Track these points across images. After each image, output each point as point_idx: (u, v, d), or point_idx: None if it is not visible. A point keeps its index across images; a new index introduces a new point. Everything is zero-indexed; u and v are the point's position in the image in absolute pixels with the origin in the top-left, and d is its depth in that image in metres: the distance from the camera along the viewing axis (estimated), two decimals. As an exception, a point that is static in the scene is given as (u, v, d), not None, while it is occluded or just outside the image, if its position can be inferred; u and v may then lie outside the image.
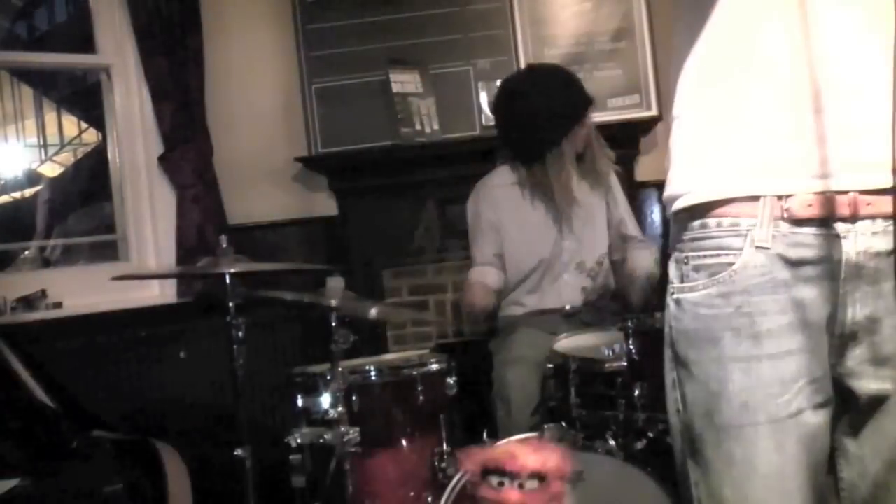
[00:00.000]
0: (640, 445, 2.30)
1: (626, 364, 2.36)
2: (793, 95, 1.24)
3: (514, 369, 2.88)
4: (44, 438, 2.39)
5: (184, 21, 3.61)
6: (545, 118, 2.95)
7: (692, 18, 1.34)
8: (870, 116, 1.22)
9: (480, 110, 3.80)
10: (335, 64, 3.82)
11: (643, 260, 2.94)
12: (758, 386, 1.26)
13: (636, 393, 2.31)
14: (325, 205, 3.99)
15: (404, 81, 3.75)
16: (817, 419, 1.27)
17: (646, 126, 3.76)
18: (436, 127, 3.76)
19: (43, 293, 3.41)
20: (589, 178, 3.07)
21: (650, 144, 3.81)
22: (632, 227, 3.14)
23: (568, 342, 2.66)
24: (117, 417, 3.05)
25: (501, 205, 3.07)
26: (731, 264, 1.27)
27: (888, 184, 1.23)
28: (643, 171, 3.77)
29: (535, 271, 3.04)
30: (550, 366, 2.58)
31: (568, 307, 3.00)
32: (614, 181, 3.15)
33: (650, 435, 2.29)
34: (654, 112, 3.72)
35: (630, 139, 3.77)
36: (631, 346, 2.33)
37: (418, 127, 3.74)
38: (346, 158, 3.84)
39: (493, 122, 3.66)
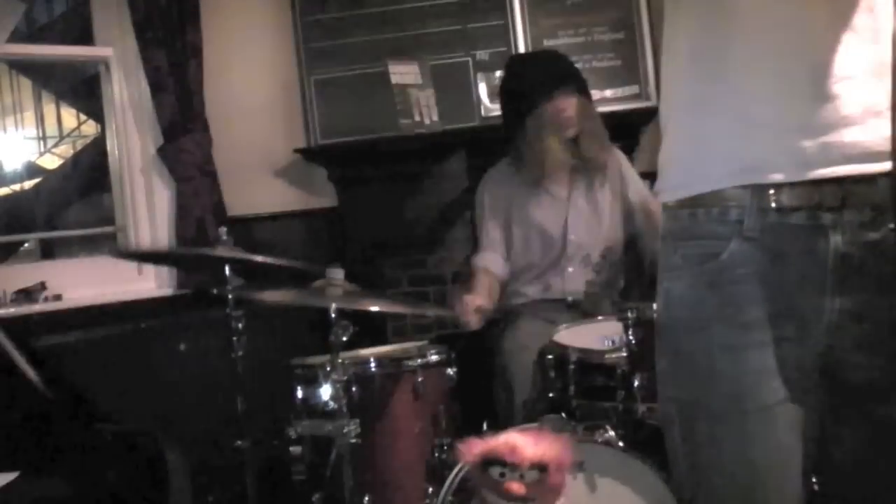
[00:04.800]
0: (639, 436, 2.30)
1: (625, 355, 2.36)
2: (782, 86, 1.24)
3: (515, 359, 2.88)
4: (44, 431, 2.39)
5: (182, 12, 3.60)
6: (515, 94, 3.05)
7: (684, 10, 1.34)
8: (858, 106, 1.23)
9: (480, 101, 3.79)
10: (334, 55, 3.82)
11: None
12: (746, 374, 1.27)
13: (635, 383, 2.31)
14: (324, 196, 3.99)
15: (403, 73, 3.75)
16: (806, 408, 1.28)
17: (645, 116, 3.74)
18: (435, 118, 3.75)
19: (42, 285, 3.41)
20: (592, 170, 3.06)
21: (650, 135, 3.80)
22: (653, 202, 3.12)
23: (567, 333, 2.66)
24: (117, 410, 3.05)
25: (509, 193, 3.08)
26: (720, 254, 1.28)
27: (876, 171, 1.23)
28: (642, 161, 3.76)
29: (540, 262, 3.04)
30: (550, 357, 2.58)
31: (570, 298, 3.01)
32: (627, 167, 3.15)
33: (649, 425, 2.30)
34: (653, 103, 3.71)
35: (629, 130, 3.76)
36: (630, 337, 2.33)
37: (417, 118, 3.74)
38: (345, 150, 3.83)
39: (492, 113, 3.69)
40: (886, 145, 1.19)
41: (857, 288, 1.26)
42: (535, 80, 3.03)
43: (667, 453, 1.43)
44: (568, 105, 2.96)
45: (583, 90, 3.02)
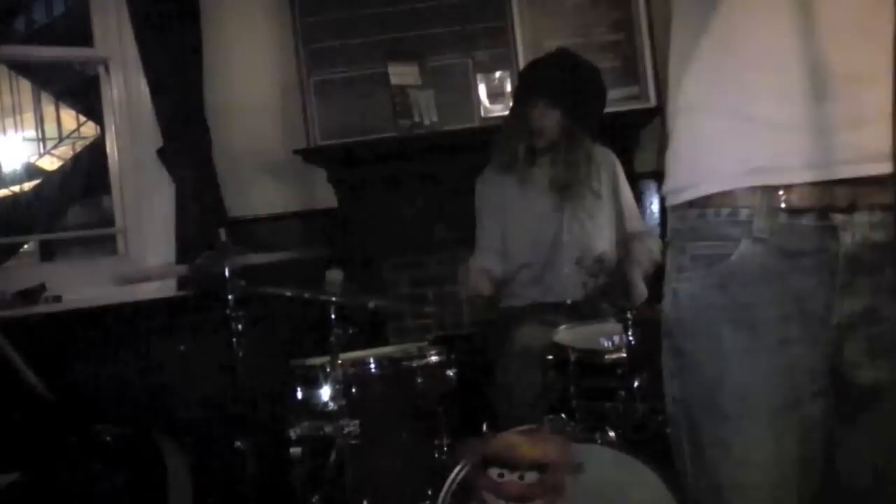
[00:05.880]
0: (639, 436, 2.30)
1: (625, 355, 2.36)
2: (793, 86, 1.23)
3: (515, 361, 2.87)
4: (44, 432, 2.39)
5: (182, 13, 3.60)
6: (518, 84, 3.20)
7: (693, 11, 1.33)
8: (869, 106, 1.22)
9: (479, 102, 3.79)
10: (334, 56, 3.82)
11: (643, 253, 2.95)
12: (755, 376, 1.26)
13: (636, 384, 2.31)
14: (324, 197, 3.99)
15: (403, 73, 3.75)
16: (814, 409, 1.27)
17: (645, 118, 3.75)
18: (434, 119, 3.75)
19: (42, 287, 3.41)
20: (583, 185, 3.06)
21: (649, 136, 3.80)
22: (632, 222, 3.14)
23: (567, 334, 2.66)
24: (117, 411, 3.06)
25: (504, 192, 3.08)
26: (729, 255, 1.27)
27: (887, 171, 1.23)
28: (642, 162, 3.76)
29: (535, 263, 3.04)
30: (550, 357, 2.58)
31: (569, 301, 3.01)
32: (620, 172, 3.15)
33: (650, 426, 2.30)
34: (652, 104, 3.71)
35: (629, 131, 3.76)
36: (630, 338, 2.33)
37: (417, 119, 3.74)
38: (345, 151, 3.83)
39: (491, 114, 3.68)
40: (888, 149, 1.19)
41: (868, 290, 1.25)
42: (530, 78, 3.08)
43: (668, 454, 1.42)
44: (544, 116, 2.96)
45: (577, 114, 2.97)
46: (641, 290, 2.89)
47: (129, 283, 3.43)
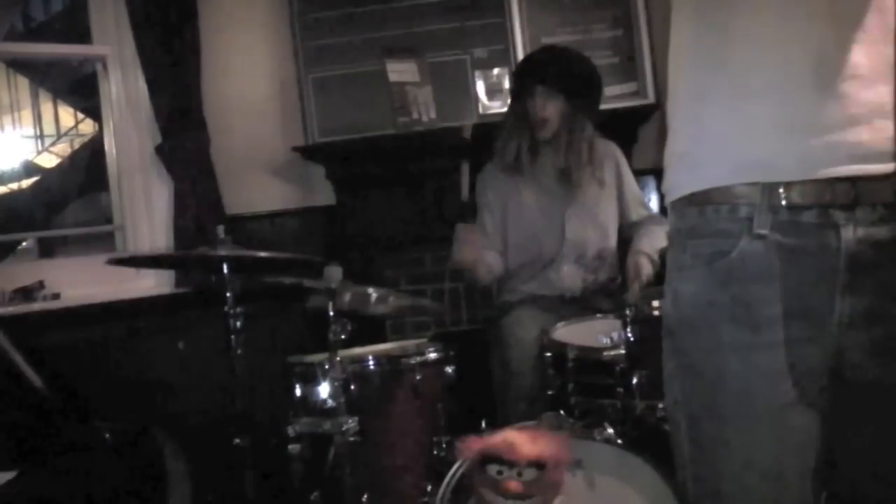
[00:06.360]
0: (638, 433, 2.30)
1: (624, 352, 2.35)
2: (793, 83, 1.23)
3: (513, 356, 2.87)
4: (42, 430, 2.39)
5: (180, 11, 3.60)
6: (513, 80, 3.25)
7: (693, 8, 1.33)
8: (865, 105, 1.22)
9: (477, 99, 3.79)
10: (332, 53, 3.82)
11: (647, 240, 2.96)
12: (756, 375, 1.26)
13: (634, 381, 2.31)
14: (322, 194, 3.99)
15: (401, 70, 3.74)
16: (815, 408, 1.26)
17: (644, 114, 3.75)
18: (433, 115, 3.75)
19: (41, 284, 3.41)
20: (586, 170, 3.05)
21: (648, 132, 3.80)
22: (637, 211, 3.14)
23: (566, 330, 2.66)
24: (116, 408, 3.05)
25: (505, 189, 3.07)
26: (729, 252, 1.27)
27: (888, 171, 1.22)
28: (641, 158, 3.76)
29: (536, 261, 3.04)
30: (549, 354, 2.58)
31: (567, 294, 3.01)
32: (623, 165, 3.15)
33: (648, 423, 2.29)
34: (651, 100, 3.71)
35: (628, 127, 3.76)
36: (629, 334, 2.33)
37: (415, 116, 3.73)
38: (343, 148, 3.83)
39: (490, 111, 3.67)
40: (889, 147, 1.18)
41: (869, 289, 1.24)
42: (526, 70, 3.08)
43: (666, 451, 1.42)
44: (545, 104, 2.96)
45: (577, 100, 2.98)
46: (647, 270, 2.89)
47: (121, 264, 3.43)
